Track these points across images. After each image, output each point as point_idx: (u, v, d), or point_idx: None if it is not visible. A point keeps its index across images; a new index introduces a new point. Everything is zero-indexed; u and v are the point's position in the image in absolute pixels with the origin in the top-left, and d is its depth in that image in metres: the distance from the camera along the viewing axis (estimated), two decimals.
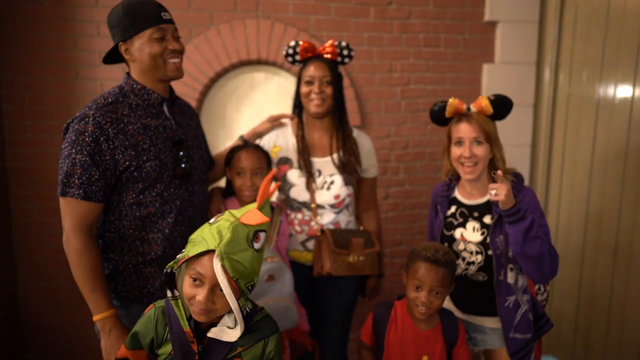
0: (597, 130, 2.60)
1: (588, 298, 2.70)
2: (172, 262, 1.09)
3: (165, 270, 1.10)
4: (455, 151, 1.64)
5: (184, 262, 1.07)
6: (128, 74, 1.52)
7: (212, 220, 1.09)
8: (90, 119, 1.37)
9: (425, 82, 2.79)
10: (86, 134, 1.36)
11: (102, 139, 1.37)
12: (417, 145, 2.84)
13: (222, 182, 1.92)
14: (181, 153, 1.51)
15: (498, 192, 1.43)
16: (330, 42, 1.85)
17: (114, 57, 1.55)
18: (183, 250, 1.09)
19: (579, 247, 2.71)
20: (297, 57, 1.85)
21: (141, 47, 1.44)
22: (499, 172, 1.43)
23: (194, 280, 1.03)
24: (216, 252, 1.00)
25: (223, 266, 0.99)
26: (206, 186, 1.70)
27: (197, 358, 1.11)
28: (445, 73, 2.81)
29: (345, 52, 1.86)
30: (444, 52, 2.79)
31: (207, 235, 1.04)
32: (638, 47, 2.42)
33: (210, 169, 1.83)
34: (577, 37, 2.64)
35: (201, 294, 1.02)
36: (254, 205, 1.11)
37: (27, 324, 2.58)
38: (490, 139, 1.61)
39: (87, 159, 1.36)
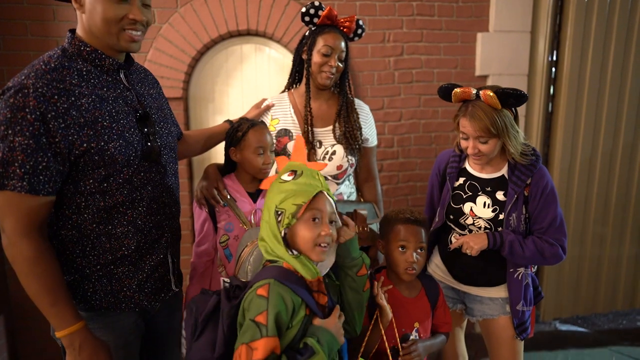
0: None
1: None
2: (287, 222, 1.12)
3: (284, 234, 1.13)
4: (462, 142, 1.60)
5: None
6: (72, 32, 1.23)
7: (283, 177, 1.17)
8: (31, 91, 1.08)
9: (419, 52, 2.74)
10: (27, 110, 1.08)
11: (49, 116, 1.10)
12: (411, 117, 2.80)
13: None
14: (146, 130, 1.29)
15: (467, 248, 1.59)
16: (352, 16, 1.77)
17: None
18: (280, 206, 1.13)
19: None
20: (315, 20, 1.75)
21: (94, 2, 1.15)
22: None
23: (314, 220, 1.13)
24: (324, 192, 1.15)
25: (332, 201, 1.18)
26: (177, 165, 1.49)
27: (326, 300, 1.18)
28: (439, 42, 2.75)
29: (359, 31, 1.82)
30: (438, 20, 2.72)
31: (306, 183, 1.14)
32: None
33: (178, 141, 1.61)
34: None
35: (325, 229, 1.13)
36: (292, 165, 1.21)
37: (18, 317, 2.53)
38: (498, 132, 1.50)
39: (31, 141, 1.08)
